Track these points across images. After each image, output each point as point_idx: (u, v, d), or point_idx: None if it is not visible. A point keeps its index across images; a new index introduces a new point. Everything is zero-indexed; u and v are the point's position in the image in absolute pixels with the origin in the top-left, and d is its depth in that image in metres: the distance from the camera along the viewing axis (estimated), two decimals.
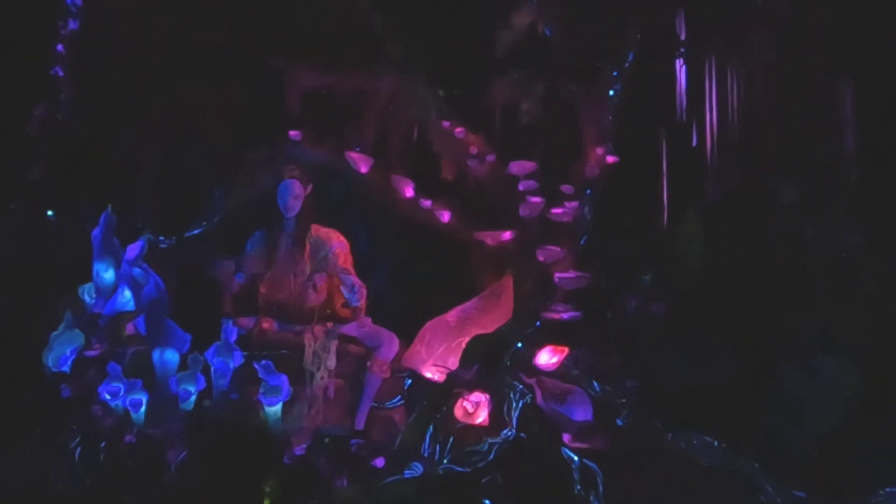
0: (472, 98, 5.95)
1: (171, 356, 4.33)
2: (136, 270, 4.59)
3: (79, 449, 4.00)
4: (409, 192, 5.84)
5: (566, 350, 4.56)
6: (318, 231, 5.10)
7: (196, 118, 5.82)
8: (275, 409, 4.31)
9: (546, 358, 4.57)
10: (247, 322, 4.91)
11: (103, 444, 4.02)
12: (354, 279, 4.93)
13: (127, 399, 4.16)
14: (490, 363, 4.55)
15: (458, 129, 5.96)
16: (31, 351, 4.43)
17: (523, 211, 5.82)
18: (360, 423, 5.00)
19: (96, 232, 4.71)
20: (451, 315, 5.22)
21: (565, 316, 5.08)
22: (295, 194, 4.97)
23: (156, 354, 4.34)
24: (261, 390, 4.34)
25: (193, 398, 4.28)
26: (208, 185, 5.88)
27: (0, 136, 5.23)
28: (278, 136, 5.89)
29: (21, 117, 5.24)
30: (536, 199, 5.77)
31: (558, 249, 5.50)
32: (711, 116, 5.80)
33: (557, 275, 5.35)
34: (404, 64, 5.96)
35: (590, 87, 5.63)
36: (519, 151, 5.88)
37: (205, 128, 5.83)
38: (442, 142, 6.03)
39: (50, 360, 4.26)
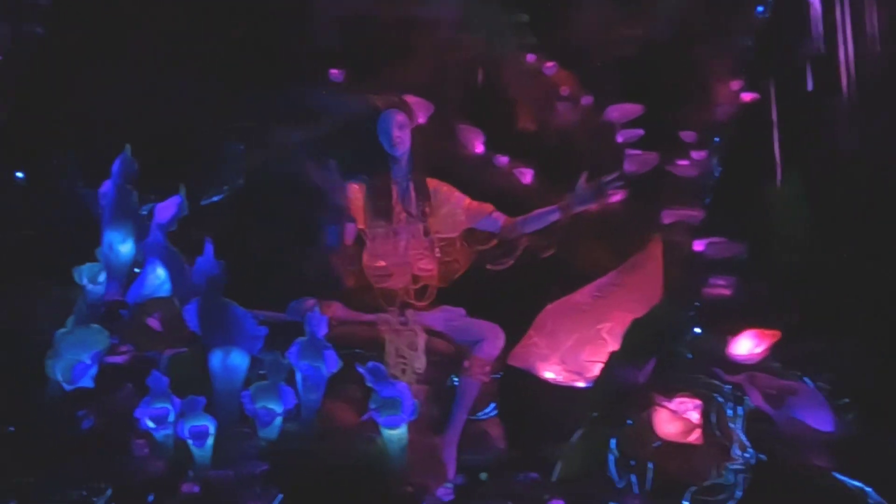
0: (565, 23, 4.75)
1: (240, 360, 2.88)
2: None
3: None
4: (479, 146, 4.63)
5: (777, 334, 3.36)
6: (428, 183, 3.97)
7: (206, 51, 4.45)
8: (398, 433, 2.94)
9: (748, 346, 3.36)
10: (306, 306, 3.65)
11: (151, 499, 2.58)
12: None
13: (185, 427, 2.74)
14: (665, 356, 3.33)
15: (548, 65, 4.78)
16: (16, 362, 2.97)
17: (629, 166, 4.67)
18: (452, 441, 3.79)
19: (107, 187, 3.26)
20: (582, 295, 3.97)
21: (728, 292, 3.94)
22: (399, 123, 3.89)
23: (215, 358, 2.89)
24: (371, 405, 2.98)
25: (279, 421, 2.89)
26: (224, 138, 4.53)
27: None
28: (313, 76, 4.60)
29: None
30: (646, 153, 4.65)
31: (695, 212, 4.36)
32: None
33: (703, 242, 4.21)
34: None
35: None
36: (623, 91, 4.74)
37: (217, 64, 4.47)
38: (523, 82, 4.82)
39: (58, 371, 2.77)
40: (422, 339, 3.86)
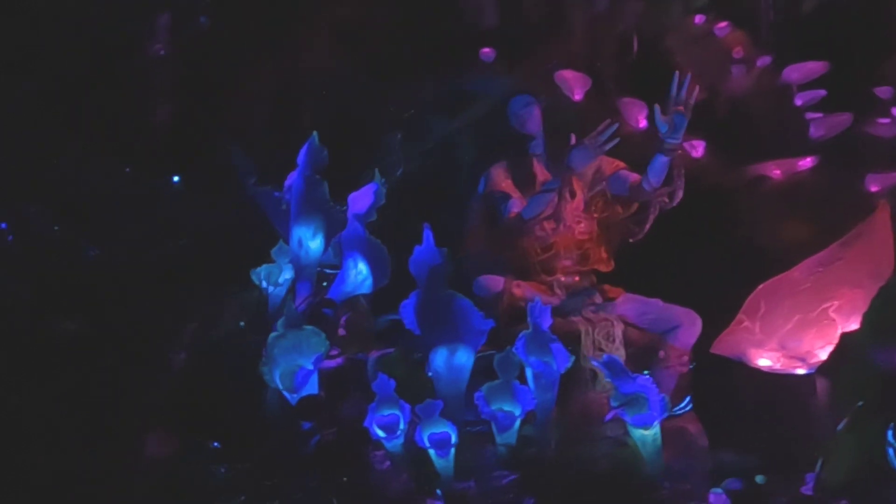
0: None
1: (466, 358, 2.57)
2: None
3: None
4: (643, 120, 4.27)
5: None
6: None
7: (358, 38, 4.20)
8: (652, 433, 2.60)
9: None
10: (494, 284, 3.47)
11: None
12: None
13: (423, 435, 2.46)
14: None
15: (720, 25, 4.39)
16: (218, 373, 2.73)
17: (816, 131, 4.26)
18: None
19: (295, 178, 3.01)
20: (800, 272, 3.53)
21: None
22: (526, 102, 3.79)
23: (439, 357, 2.58)
24: (612, 403, 2.64)
25: (517, 425, 2.58)
26: (381, 128, 4.27)
27: (102, 60, 3.50)
28: (464, 57, 4.30)
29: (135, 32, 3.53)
30: (835, 114, 4.24)
31: None
32: None
33: None
34: None
35: None
36: (804, 49, 4.32)
37: (367, 51, 4.21)
38: (691, 46, 4.44)
39: (278, 379, 2.50)
40: (619, 329, 3.60)
